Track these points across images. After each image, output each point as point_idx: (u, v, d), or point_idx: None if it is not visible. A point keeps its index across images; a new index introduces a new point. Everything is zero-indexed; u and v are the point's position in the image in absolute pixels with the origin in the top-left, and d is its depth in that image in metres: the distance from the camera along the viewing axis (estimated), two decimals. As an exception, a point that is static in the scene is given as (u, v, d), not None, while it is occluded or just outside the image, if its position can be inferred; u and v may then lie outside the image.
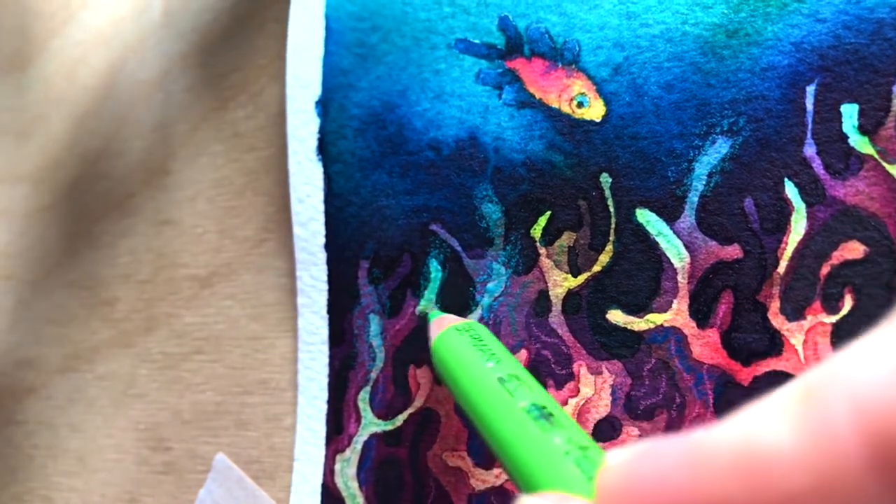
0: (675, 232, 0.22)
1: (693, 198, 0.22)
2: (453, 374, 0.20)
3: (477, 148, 0.25)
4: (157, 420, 0.30)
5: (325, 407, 0.26)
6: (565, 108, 0.23)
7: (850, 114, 0.20)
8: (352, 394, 0.26)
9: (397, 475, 0.25)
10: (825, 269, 0.20)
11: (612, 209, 0.23)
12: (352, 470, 0.26)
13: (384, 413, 0.25)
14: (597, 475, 0.13)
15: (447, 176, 0.25)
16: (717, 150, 0.22)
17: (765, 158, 0.21)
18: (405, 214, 0.25)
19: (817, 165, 0.21)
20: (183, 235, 0.30)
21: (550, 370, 0.23)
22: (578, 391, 0.23)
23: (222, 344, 0.29)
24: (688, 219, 0.22)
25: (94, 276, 0.33)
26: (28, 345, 0.34)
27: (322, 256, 0.27)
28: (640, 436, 0.22)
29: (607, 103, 0.23)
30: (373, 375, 0.26)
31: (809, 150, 0.21)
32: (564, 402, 0.23)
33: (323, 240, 0.27)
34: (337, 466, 0.26)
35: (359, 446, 0.26)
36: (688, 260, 0.22)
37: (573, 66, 0.23)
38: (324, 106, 0.27)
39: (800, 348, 0.21)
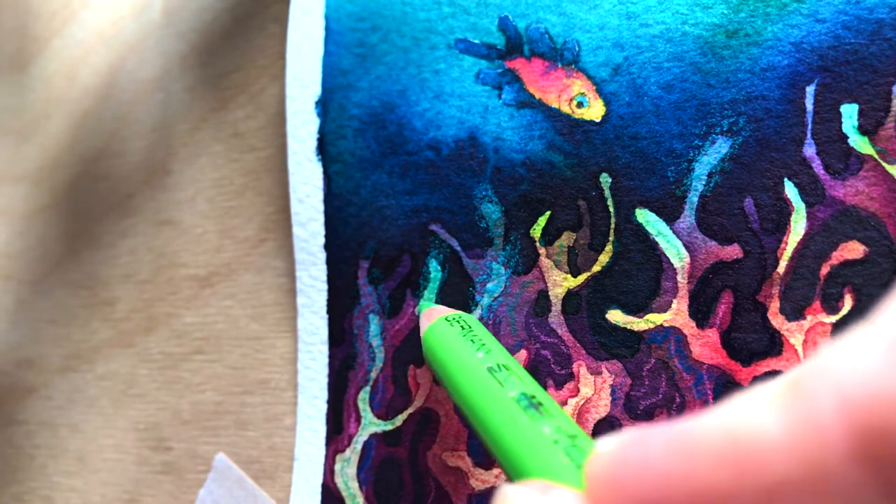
0: (674, 232, 0.22)
1: (693, 198, 0.22)
2: (443, 365, 0.21)
3: (476, 148, 0.25)
4: (157, 420, 0.30)
5: (324, 407, 0.26)
6: (565, 109, 0.23)
7: (849, 114, 0.20)
8: (351, 394, 0.26)
9: (397, 475, 0.25)
10: (825, 269, 0.20)
11: (611, 209, 0.23)
12: (352, 470, 0.26)
13: (384, 413, 0.25)
14: (585, 464, 0.13)
15: (447, 176, 0.25)
16: (717, 150, 0.22)
17: (765, 158, 0.21)
18: (405, 214, 0.25)
19: (817, 165, 0.21)
20: (183, 235, 0.30)
21: (550, 370, 0.23)
22: (578, 391, 0.23)
23: (222, 344, 0.29)
24: (687, 219, 0.22)
25: (94, 276, 0.33)
26: (28, 345, 0.34)
27: (322, 256, 0.27)
28: (639, 436, 0.22)
29: (607, 103, 0.23)
30: (372, 375, 0.26)
31: (809, 150, 0.21)
32: (564, 402, 0.23)
33: (322, 240, 0.27)
34: (337, 466, 0.26)
35: (359, 446, 0.26)
36: (687, 260, 0.22)
37: (573, 67, 0.23)
38: (323, 106, 0.27)
39: (799, 348, 0.21)
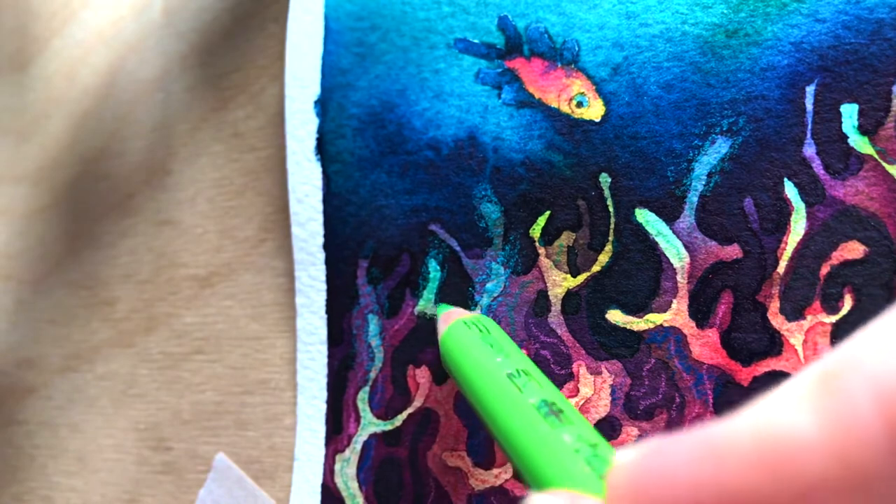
0: (674, 232, 0.22)
1: (693, 198, 0.22)
2: (462, 370, 0.20)
3: (476, 148, 0.25)
4: (157, 420, 0.30)
5: (324, 407, 0.26)
6: (564, 108, 0.23)
7: (849, 114, 0.20)
8: (351, 394, 0.26)
9: (397, 475, 0.25)
10: (825, 269, 0.20)
11: (611, 209, 0.23)
12: (351, 470, 0.26)
13: (383, 413, 0.25)
14: (607, 473, 0.13)
15: (446, 176, 0.25)
16: (717, 150, 0.22)
17: (765, 158, 0.21)
18: (404, 214, 0.25)
19: (817, 165, 0.21)
20: (183, 235, 0.30)
21: (550, 370, 0.23)
22: (578, 391, 0.23)
23: (222, 344, 0.29)
24: (687, 219, 0.22)
25: (94, 276, 0.33)
26: (28, 345, 0.34)
27: (321, 256, 0.27)
28: (639, 436, 0.22)
29: (607, 103, 0.23)
30: (372, 375, 0.26)
31: (809, 150, 0.21)
32: (564, 403, 0.23)
33: (322, 240, 0.27)
34: (337, 466, 0.26)
35: (358, 446, 0.26)
36: (687, 260, 0.22)
37: (572, 66, 0.23)
38: (323, 106, 0.27)
39: (799, 348, 0.20)
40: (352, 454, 0.26)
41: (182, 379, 0.30)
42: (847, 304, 0.20)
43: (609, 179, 0.23)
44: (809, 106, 0.21)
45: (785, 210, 0.21)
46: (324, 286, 0.26)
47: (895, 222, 0.20)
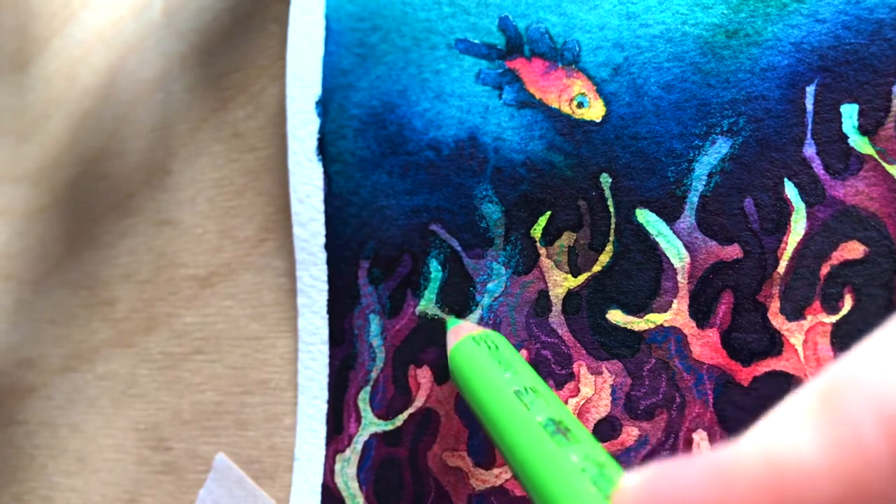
0: (675, 232, 0.22)
1: (693, 198, 0.22)
2: (469, 385, 0.20)
3: (477, 148, 0.25)
4: (157, 420, 0.30)
5: (325, 407, 0.26)
6: (565, 109, 0.23)
7: (849, 114, 0.20)
8: (352, 394, 0.26)
9: (397, 475, 0.25)
10: (825, 269, 0.20)
11: (612, 209, 0.23)
12: (352, 470, 0.26)
13: (384, 413, 0.25)
14: (613, 494, 0.13)
15: (447, 176, 0.25)
16: (717, 151, 0.22)
17: (765, 158, 0.21)
18: (405, 214, 0.25)
19: (817, 165, 0.21)
20: (183, 235, 0.30)
21: (550, 370, 0.23)
22: (578, 391, 0.23)
23: (222, 344, 0.29)
24: (688, 219, 0.22)
25: (94, 276, 0.33)
26: (28, 345, 0.34)
27: (322, 256, 0.27)
28: (639, 436, 0.22)
29: (607, 103, 0.23)
30: (373, 375, 0.26)
31: (809, 150, 0.21)
32: (564, 402, 0.23)
33: (323, 240, 0.27)
34: (337, 466, 0.26)
35: (359, 446, 0.26)
36: (688, 260, 0.22)
37: (573, 67, 0.23)
38: (324, 106, 0.27)
39: (799, 348, 0.21)
40: (352, 454, 0.26)
41: (182, 379, 0.30)
42: (847, 304, 0.20)
43: (610, 180, 0.23)
44: (809, 106, 0.21)
45: (785, 210, 0.21)
46: (325, 286, 0.26)
47: (895, 222, 0.20)
